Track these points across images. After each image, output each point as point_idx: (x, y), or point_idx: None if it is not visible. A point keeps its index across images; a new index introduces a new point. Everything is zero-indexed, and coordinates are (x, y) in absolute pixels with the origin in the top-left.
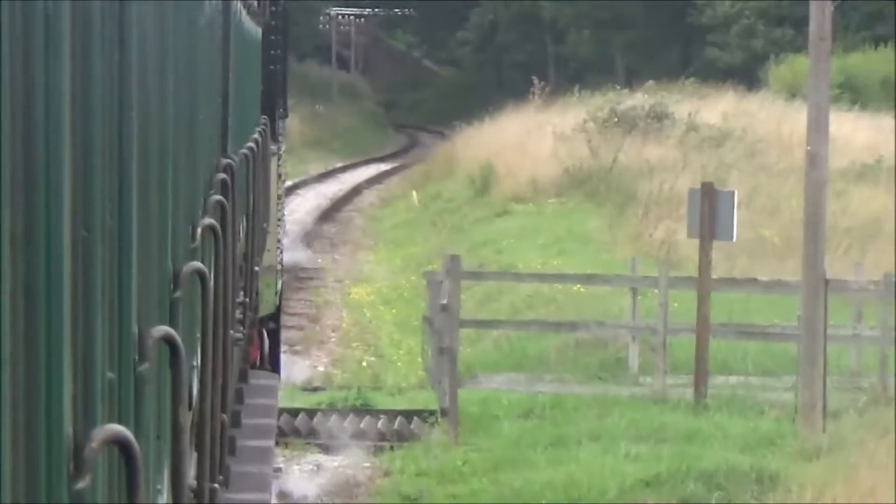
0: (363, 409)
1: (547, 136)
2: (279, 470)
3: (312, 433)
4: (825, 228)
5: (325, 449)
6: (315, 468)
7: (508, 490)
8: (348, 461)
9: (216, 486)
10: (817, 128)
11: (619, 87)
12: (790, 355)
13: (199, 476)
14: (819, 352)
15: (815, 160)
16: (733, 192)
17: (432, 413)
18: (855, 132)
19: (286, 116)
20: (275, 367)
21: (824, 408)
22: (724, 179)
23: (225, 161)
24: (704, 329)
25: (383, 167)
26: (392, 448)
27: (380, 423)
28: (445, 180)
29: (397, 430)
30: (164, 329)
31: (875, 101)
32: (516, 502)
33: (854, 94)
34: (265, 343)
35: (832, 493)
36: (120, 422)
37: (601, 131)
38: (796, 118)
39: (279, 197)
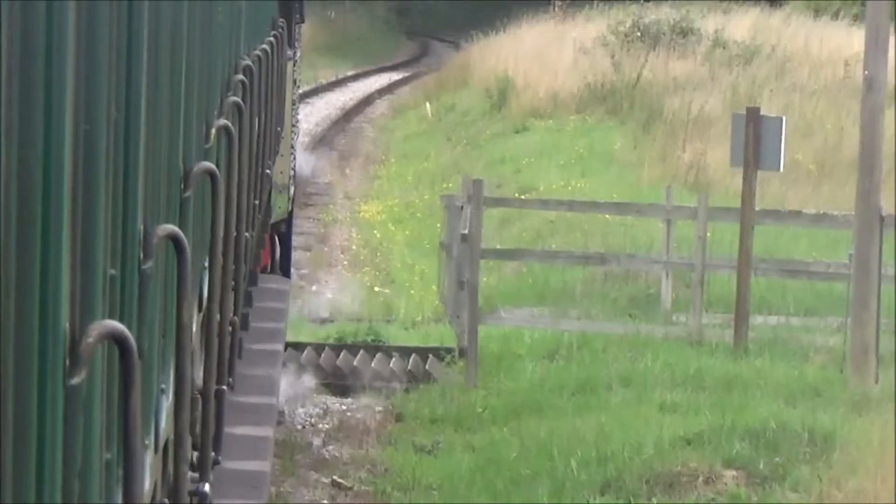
0: (374, 346)
1: (567, 48)
2: (282, 414)
3: (319, 371)
4: (882, 160)
5: (333, 389)
6: (322, 411)
7: (533, 442)
8: (357, 404)
9: (224, 388)
10: (876, 48)
11: (642, 1)
12: (835, 294)
13: (207, 377)
14: (872, 293)
15: (872, 84)
16: (781, 119)
17: (449, 351)
18: None
19: (303, 21)
20: (286, 272)
21: (877, 355)
22: (756, 99)
23: (244, 63)
24: (746, 265)
25: (395, 76)
26: (406, 390)
27: (392, 362)
28: (460, 92)
29: (411, 370)
30: (169, 227)
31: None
32: (542, 456)
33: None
34: (276, 248)
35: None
36: (122, 319)
37: (624, 45)
38: (825, 36)
39: (294, 102)
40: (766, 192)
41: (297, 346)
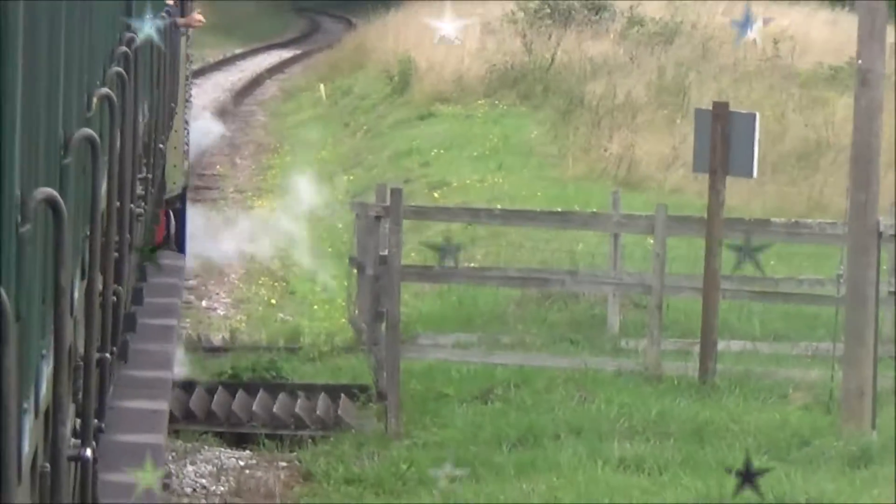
0: (276, 384)
1: (472, 27)
2: (168, 475)
3: (212, 418)
4: (878, 166)
5: (229, 440)
6: (215, 469)
7: None
8: (258, 459)
9: (107, 356)
10: (871, 36)
11: None
12: (804, 314)
13: (88, 345)
14: (868, 324)
15: (868, 77)
16: (754, 116)
17: (364, 390)
18: (810, 29)
19: None
20: (181, 247)
21: (874, 396)
22: (683, 83)
23: (128, 35)
24: (714, 287)
25: (285, 54)
26: (313, 440)
27: (298, 405)
28: (356, 74)
29: (320, 414)
30: (47, 191)
31: None
32: None
33: None
34: (171, 224)
35: None
36: (0, 283)
37: (533, 23)
38: (742, 11)
39: (187, 78)
40: (703, 189)
41: (186, 387)
